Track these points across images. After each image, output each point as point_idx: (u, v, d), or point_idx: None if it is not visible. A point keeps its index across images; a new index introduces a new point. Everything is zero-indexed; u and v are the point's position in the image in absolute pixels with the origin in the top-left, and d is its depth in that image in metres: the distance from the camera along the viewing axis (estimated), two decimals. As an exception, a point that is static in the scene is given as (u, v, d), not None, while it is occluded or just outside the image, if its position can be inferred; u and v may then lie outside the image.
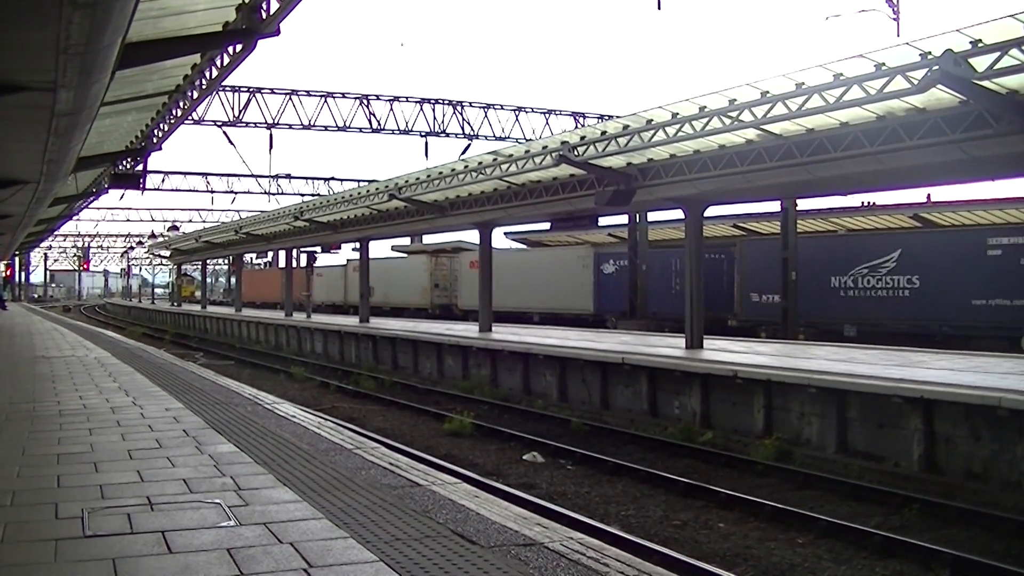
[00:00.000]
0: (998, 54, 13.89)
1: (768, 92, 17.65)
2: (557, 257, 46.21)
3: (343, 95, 44.78)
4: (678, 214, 32.60)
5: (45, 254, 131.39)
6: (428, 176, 31.38)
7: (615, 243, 46.47)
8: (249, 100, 42.69)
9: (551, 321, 43.66)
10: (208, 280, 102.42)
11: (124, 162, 25.85)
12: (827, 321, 33.84)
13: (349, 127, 44.71)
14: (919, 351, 23.46)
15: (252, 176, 59.15)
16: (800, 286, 33.52)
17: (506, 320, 41.00)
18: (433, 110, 46.08)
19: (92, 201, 42.89)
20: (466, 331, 33.97)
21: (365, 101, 44.98)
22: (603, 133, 22.45)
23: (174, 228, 75.81)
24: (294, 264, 55.46)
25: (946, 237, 33.04)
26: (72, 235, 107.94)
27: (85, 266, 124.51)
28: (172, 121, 21.56)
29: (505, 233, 55.16)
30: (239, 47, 14.57)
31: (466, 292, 51.06)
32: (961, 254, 30.48)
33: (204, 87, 18.01)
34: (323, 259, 57.28)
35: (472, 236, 40.44)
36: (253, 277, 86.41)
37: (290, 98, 43.68)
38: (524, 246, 57.11)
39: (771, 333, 33.87)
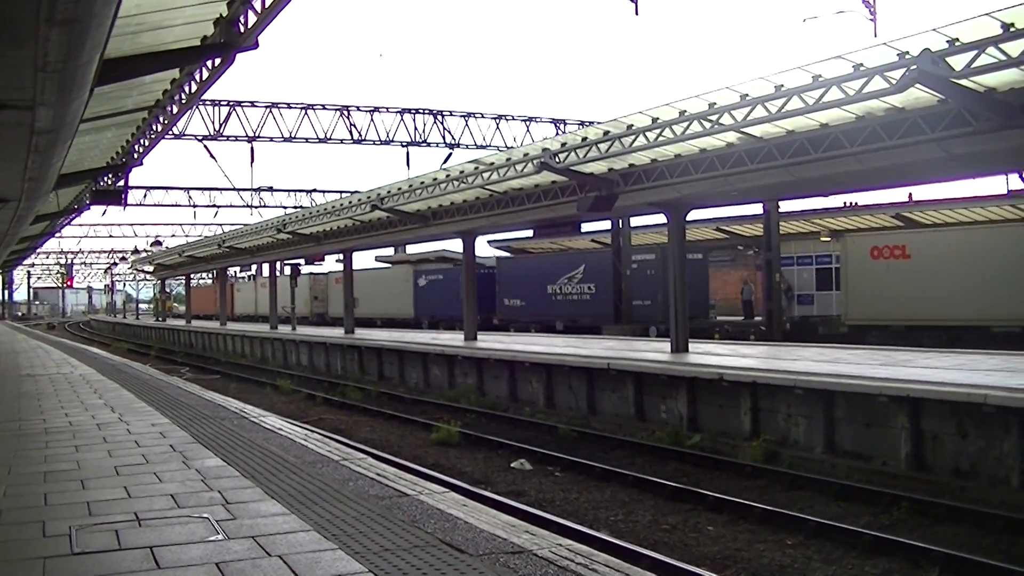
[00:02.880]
0: (975, 52, 13.97)
1: (747, 95, 17.71)
2: (391, 274, 55.55)
3: (323, 107, 44.89)
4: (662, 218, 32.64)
5: (28, 272, 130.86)
6: (410, 186, 31.38)
7: (430, 261, 58.70)
8: (229, 114, 42.74)
9: (387, 324, 55.56)
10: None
11: (105, 178, 25.75)
12: (545, 318, 45.75)
13: (330, 138, 44.80)
14: (904, 350, 23.53)
15: (234, 189, 59.19)
16: (528, 292, 47.75)
17: (360, 325, 49.77)
18: (414, 120, 46.24)
19: (74, 218, 42.76)
20: (452, 340, 33.96)
21: (345, 112, 45.06)
22: (584, 139, 22.48)
23: (157, 243, 75.61)
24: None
25: (603, 256, 44.73)
26: (55, 252, 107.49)
27: (68, 283, 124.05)
28: (153, 136, 21.54)
29: (488, 241, 55.25)
30: (218, 61, 14.56)
31: (332, 303, 64.57)
32: (616, 267, 42.23)
33: (184, 102, 18.00)
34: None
35: (456, 245, 40.46)
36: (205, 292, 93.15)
37: (270, 111, 43.73)
38: (509, 253, 57.37)
39: (517, 328, 46.65)
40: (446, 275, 53.35)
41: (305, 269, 64.09)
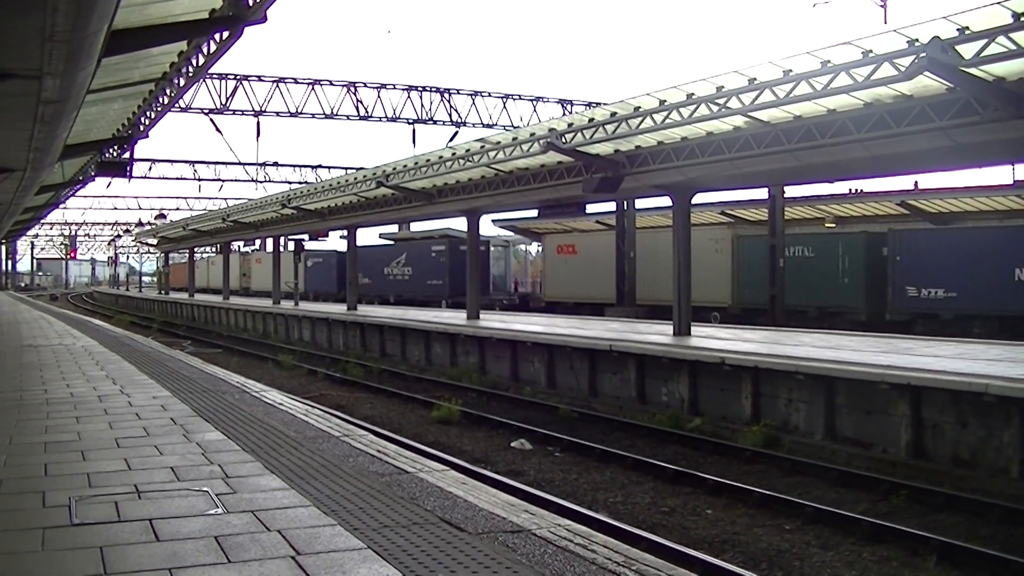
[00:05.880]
0: (985, 41, 13.90)
1: (756, 79, 17.65)
2: (285, 257, 58.37)
3: (330, 82, 44.70)
4: (666, 200, 32.58)
5: (32, 242, 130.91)
6: (416, 163, 31.34)
7: (317, 247, 65.09)
8: (236, 88, 42.58)
9: (286, 297, 62.07)
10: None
11: (111, 150, 25.71)
12: (383, 294, 57.95)
13: (336, 114, 44.63)
14: (906, 338, 23.54)
15: (239, 164, 58.99)
16: (373, 273, 58.67)
17: (260, 297, 64.63)
18: (421, 97, 46.04)
19: (79, 189, 42.64)
20: (454, 318, 33.98)
21: (352, 88, 44.89)
22: (591, 120, 22.43)
23: (161, 216, 75.65)
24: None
25: (420, 245, 57.35)
26: (59, 223, 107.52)
27: (72, 254, 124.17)
28: (159, 109, 21.46)
29: (493, 220, 55.32)
30: (226, 34, 14.48)
31: (254, 279, 77.77)
32: (423, 255, 55.48)
33: (191, 74, 17.92)
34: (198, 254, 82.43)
35: (461, 223, 40.38)
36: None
37: (277, 85, 43.58)
38: (513, 232, 57.65)
39: (367, 301, 54.58)
40: (325, 259, 67.42)
41: (223, 250, 70.56)
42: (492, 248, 56.24)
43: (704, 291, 35.87)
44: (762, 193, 35.63)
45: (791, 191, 36.64)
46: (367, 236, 66.69)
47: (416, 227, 59.99)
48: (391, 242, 62.77)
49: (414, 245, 58.51)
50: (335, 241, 61.55)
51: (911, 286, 32.39)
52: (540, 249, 57.34)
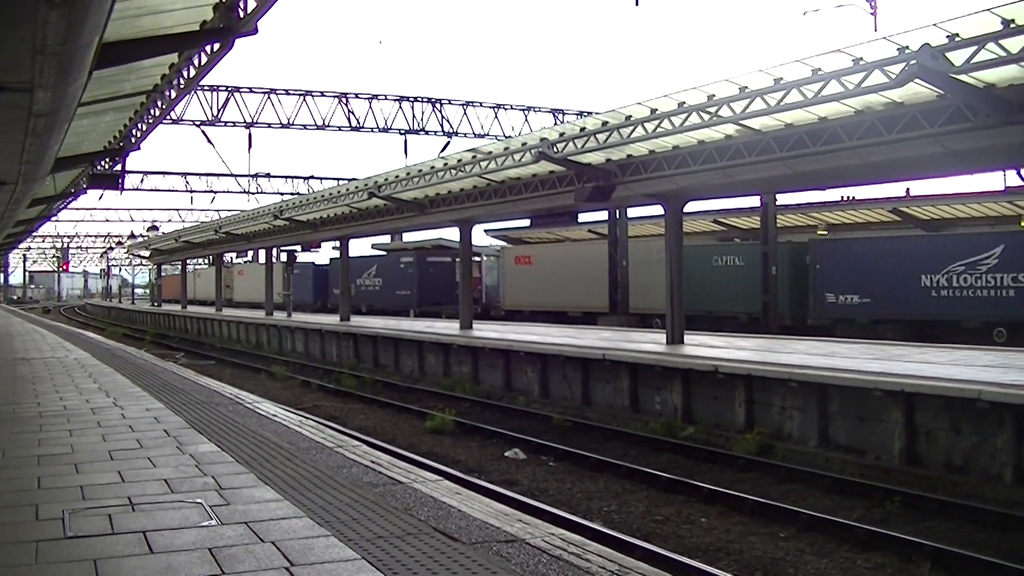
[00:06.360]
0: (975, 48, 13.94)
1: (746, 87, 17.67)
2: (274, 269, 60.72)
3: (322, 94, 44.70)
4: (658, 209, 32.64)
5: (24, 255, 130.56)
6: (408, 174, 31.31)
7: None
8: (227, 99, 42.55)
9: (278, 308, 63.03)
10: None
11: (103, 162, 25.68)
12: (355, 304, 53.88)
13: (328, 126, 44.63)
14: (898, 345, 23.55)
15: (231, 175, 59.00)
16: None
17: (248, 307, 68.04)
18: (412, 108, 46.07)
19: (71, 202, 42.59)
20: (447, 329, 33.96)
21: (344, 99, 44.90)
22: (582, 129, 22.43)
23: (153, 228, 75.60)
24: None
25: (390, 257, 59.81)
26: (51, 236, 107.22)
27: (64, 267, 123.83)
28: (150, 121, 21.43)
29: (486, 231, 55.39)
30: (217, 46, 14.48)
31: (237, 290, 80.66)
32: (392, 267, 57.33)
33: (182, 86, 17.91)
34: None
35: (454, 233, 40.40)
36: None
37: (269, 97, 43.56)
38: (506, 242, 57.66)
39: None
40: (301, 270, 65.93)
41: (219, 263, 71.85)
42: (484, 258, 56.24)
43: (647, 299, 38.93)
44: (754, 201, 35.75)
45: (783, 199, 36.80)
46: (359, 247, 66.68)
47: (409, 237, 60.03)
48: (383, 252, 63.00)
49: (384, 258, 60.67)
50: (320, 253, 63.16)
51: (830, 293, 34.19)
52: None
